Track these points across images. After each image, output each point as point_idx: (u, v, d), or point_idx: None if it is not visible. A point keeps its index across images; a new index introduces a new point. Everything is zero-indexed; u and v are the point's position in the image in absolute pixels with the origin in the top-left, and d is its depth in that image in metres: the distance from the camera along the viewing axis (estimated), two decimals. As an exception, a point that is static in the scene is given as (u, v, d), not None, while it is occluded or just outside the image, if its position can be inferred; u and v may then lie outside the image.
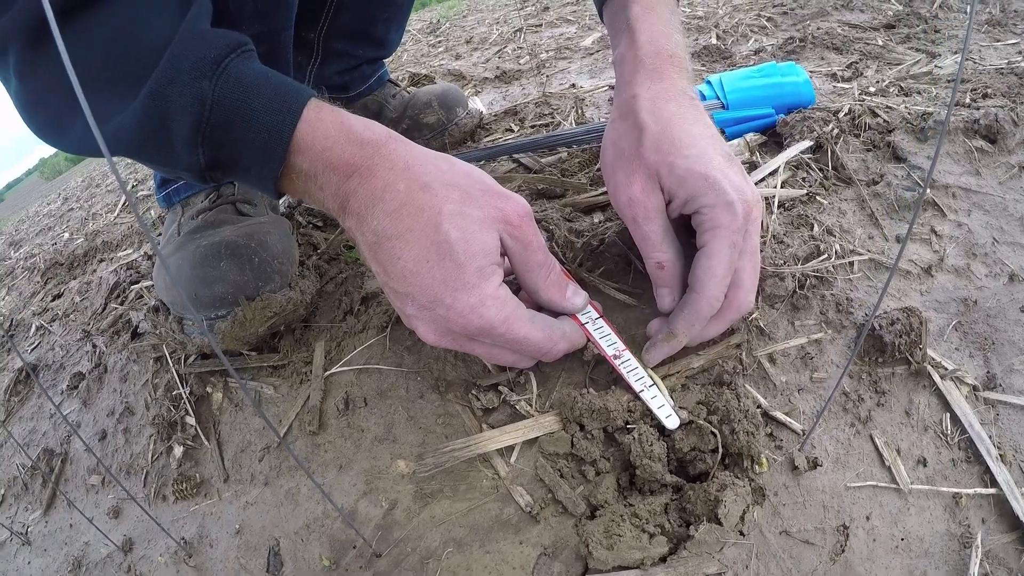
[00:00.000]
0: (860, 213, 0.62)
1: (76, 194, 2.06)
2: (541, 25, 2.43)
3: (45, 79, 0.41)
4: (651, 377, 0.46)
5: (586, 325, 0.48)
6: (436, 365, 0.49)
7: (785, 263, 0.53)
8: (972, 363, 0.50)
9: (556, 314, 0.48)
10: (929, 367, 0.48)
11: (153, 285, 0.81)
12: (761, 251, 0.51)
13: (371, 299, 0.60)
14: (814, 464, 0.43)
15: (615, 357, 0.47)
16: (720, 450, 0.42)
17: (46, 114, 0.43)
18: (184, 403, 0.60)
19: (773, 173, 0.66)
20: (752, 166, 0.67)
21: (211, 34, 0.41)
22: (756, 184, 0.63)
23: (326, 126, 0.41)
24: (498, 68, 1.61)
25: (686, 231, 0.48)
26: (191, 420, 0.58)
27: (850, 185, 0.65)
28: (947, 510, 0.44)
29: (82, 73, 0.40)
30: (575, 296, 0.48)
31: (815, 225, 0.58)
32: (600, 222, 0.62)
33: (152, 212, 1.21)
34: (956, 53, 1.12)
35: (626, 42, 0.53)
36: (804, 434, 0.45)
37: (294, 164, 0.42)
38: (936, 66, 1.05)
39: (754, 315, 0.51)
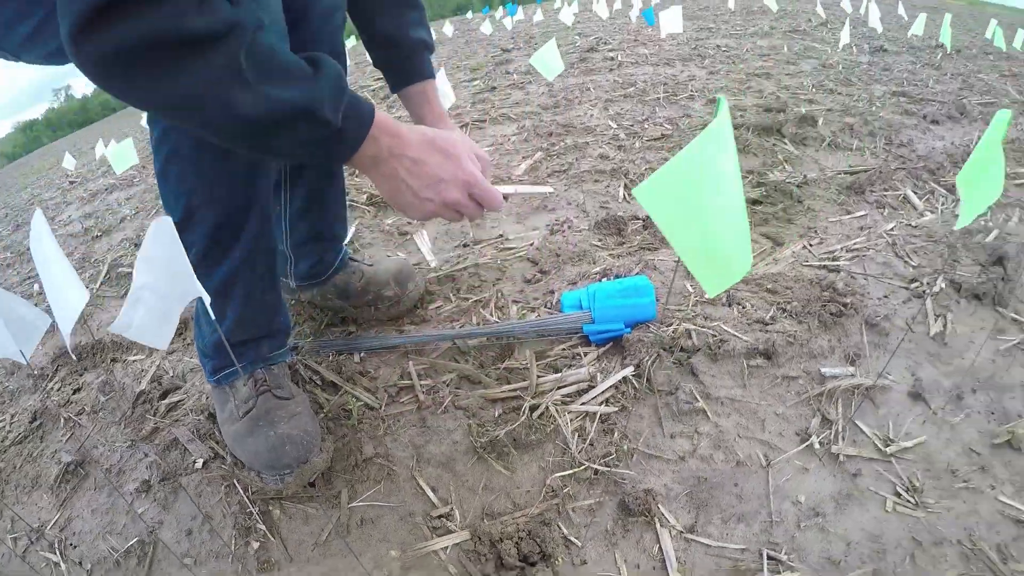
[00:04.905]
0: (653, 418, 1.24)
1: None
2: (485, 121, 3.13)
3: None
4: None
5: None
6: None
7: (590, 460, 1.14)
8: (688, 516, 1.10)
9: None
10: (657, 519, 1.07)
11: (228, 448, 1.29)
12: (579, 453, 1.14)
13: (370, 461, 1.21)
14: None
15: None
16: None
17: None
18: (255, 515, 1.17)
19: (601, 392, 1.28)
20: (591, 385, 1.29)
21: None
22: (589, 401, 1.26)
23: (383, 118, 0.92)
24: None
25: None
26: (261, 526, 1.14)
27: (652, 395, 1.28)
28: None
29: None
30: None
31: (615, 432, 1.19)
32: (499, 415, 1.25)
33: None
34: (804, 236, 1.79)
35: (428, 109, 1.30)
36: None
37: (371, 134, 0.90)
38: (774, 258, 1.71)
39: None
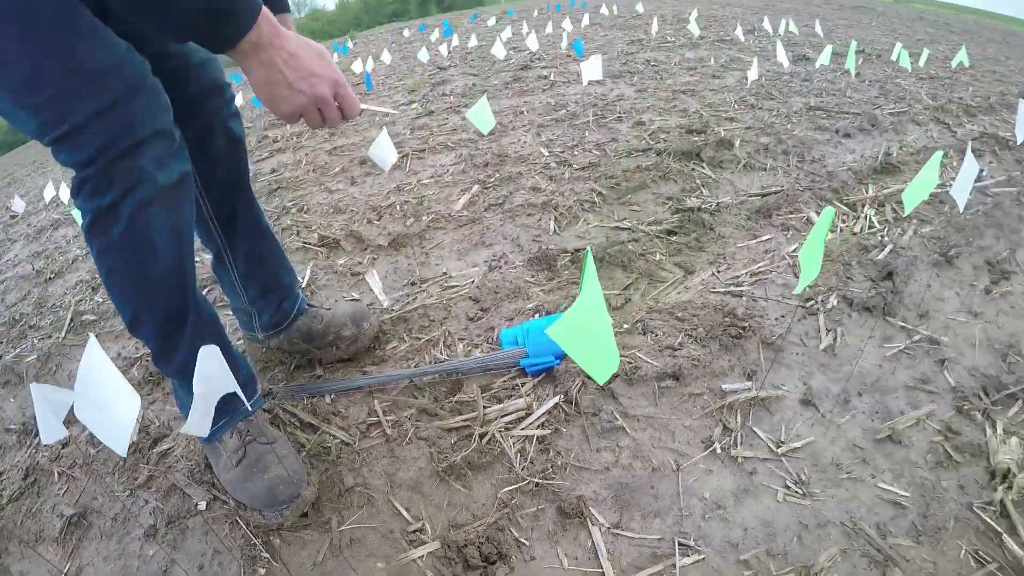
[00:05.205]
0: (581, 436, 1.53)
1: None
2: (424, 150, 3.41)
3: None
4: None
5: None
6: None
7: (532, 475, 1.43)
8: (614, 515, 1.40)
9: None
10: (588, 519, 1.37)
11: (229, 493, 1.49)
12: (522, 470, 1.43)
13: (351, 490, 1.48)
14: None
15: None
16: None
17: None
18: (259, 546, 1.42)
19: (537, 418, 1.57)
20: (528, 412, 1.58)
21: None
22: (527, 426, 1.54)
23: (266, 10, 0.97)
24: (389, 233, 2.53)
25: None
26: (265, 554, 1.39)
27: (580, 416, 1.59)
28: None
29: None
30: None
31: (551, 450, 1.49)
32: (454, 442, 1.54)
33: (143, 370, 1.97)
34: (713, 262, 2.11)
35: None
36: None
37: (257, 21, 0.95)
38: (685, 286, 2.02)
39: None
